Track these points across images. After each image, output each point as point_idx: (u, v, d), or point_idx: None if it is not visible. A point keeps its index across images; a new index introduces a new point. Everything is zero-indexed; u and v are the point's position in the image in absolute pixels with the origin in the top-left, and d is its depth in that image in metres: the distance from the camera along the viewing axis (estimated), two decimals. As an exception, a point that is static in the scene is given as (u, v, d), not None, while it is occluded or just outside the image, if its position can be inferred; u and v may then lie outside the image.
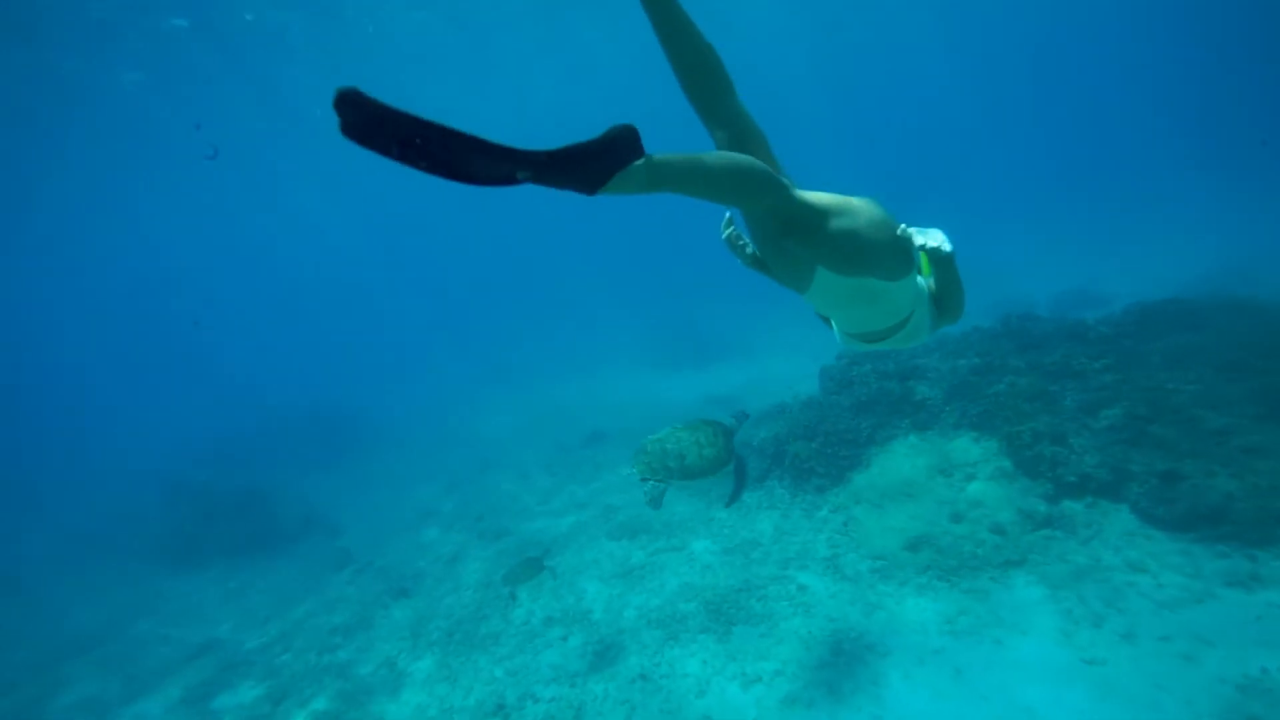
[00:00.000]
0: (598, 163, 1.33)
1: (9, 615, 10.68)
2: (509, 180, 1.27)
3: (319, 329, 46.42)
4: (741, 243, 2.46)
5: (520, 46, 19.27)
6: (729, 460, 4.92)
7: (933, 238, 2.02)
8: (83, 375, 43.35)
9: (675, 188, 1.50)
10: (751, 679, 5.15)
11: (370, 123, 1.15)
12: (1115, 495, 5.84)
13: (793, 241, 1.86)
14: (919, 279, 2.31)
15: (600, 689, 5.45)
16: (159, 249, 32.80)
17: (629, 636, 6.01)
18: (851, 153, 56.94)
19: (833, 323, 2.62)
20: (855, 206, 1.88)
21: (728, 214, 2.43)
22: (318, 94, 18.36)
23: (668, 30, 1.85)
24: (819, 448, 7.56)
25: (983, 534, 5.94)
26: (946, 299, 2.40)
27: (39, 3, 10.88)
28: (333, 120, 1.13)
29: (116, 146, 18.27)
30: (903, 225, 2.00)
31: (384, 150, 1.18)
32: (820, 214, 1.81)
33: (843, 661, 5.07)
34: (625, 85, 25.69)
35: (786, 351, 15.86)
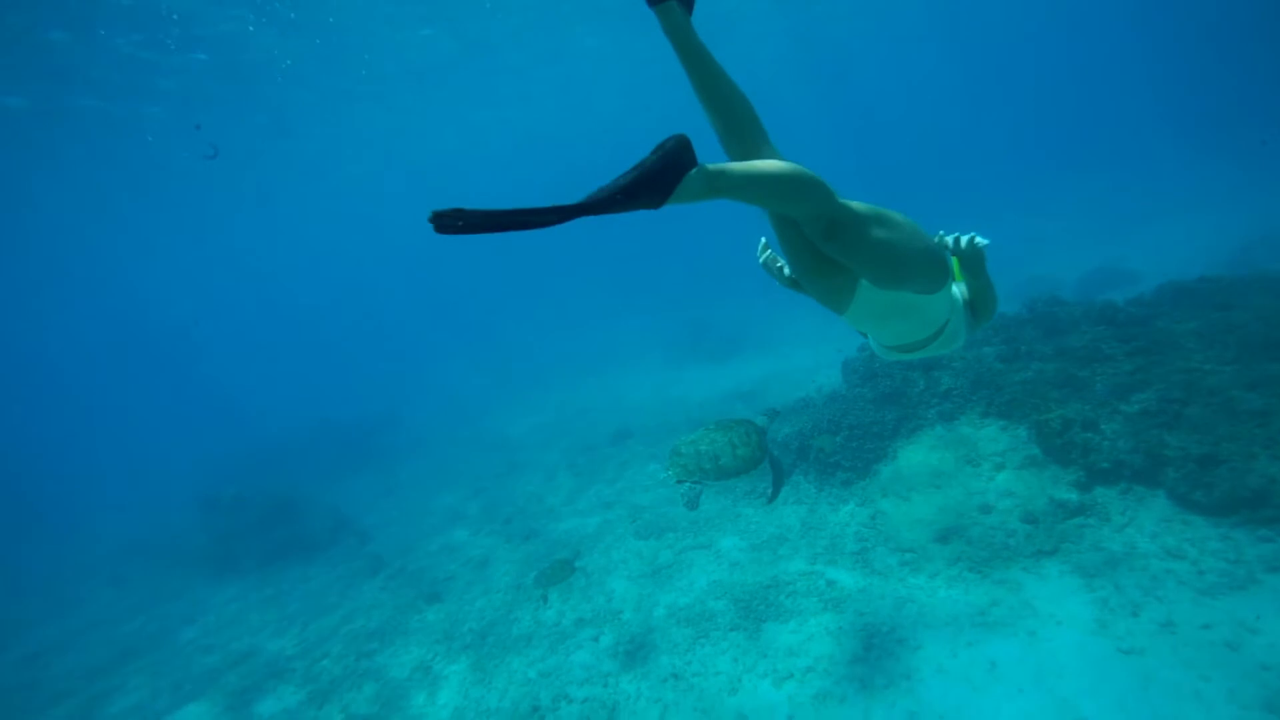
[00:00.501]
0: (660, 179, 1.39)
1: (61, 627, 11.08)
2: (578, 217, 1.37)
3: (339, 340, 47.23)
4: (778, 265, 2.58)
5: (524, 58, 19.40)
6: (763, 458, 4.95)
7: (967, 235, 2.19)
8: (109, 396, 44.65)
9: (730, 193, 1.56)
10: (783, 676, 5.15)
11: (463, 225, 1.27)
12: (1150, 481, 5.72)
13: (836, 246, 1.88)
14: (953, 287, 2.36)
15: (633, 688, 5.50)
16: (177, 271, 33.66)
17: (660, 635, 6.05)
18: (852, 148, 56.39)
19: (870, 338, 2.68)
20: (894, 218, 1.93)
21: (763, 239, 2.53)
22: (328, 116, 18.72)
23: (706, 86, 1.93)
24: (844, 442, 7.52)
25: (1014, 524, 5.86)
26: (980, 303, 2.47)
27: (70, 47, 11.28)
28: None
29: (137, 177, 18.80)
30: (940, 233, 2.12)
31: (471, 233, 1.30)
32: (863, 220, 1.85)
33: (874, 656, 5.06)
34: (628, 91, 25.76)
35: (806, 343, 15.78)
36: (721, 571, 6.74)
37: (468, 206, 1.26)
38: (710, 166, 1.49)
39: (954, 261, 2.39)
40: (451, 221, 1.26)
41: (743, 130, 1.96)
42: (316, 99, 17.34)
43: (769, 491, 5.12)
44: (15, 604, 12.75)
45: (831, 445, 7.52)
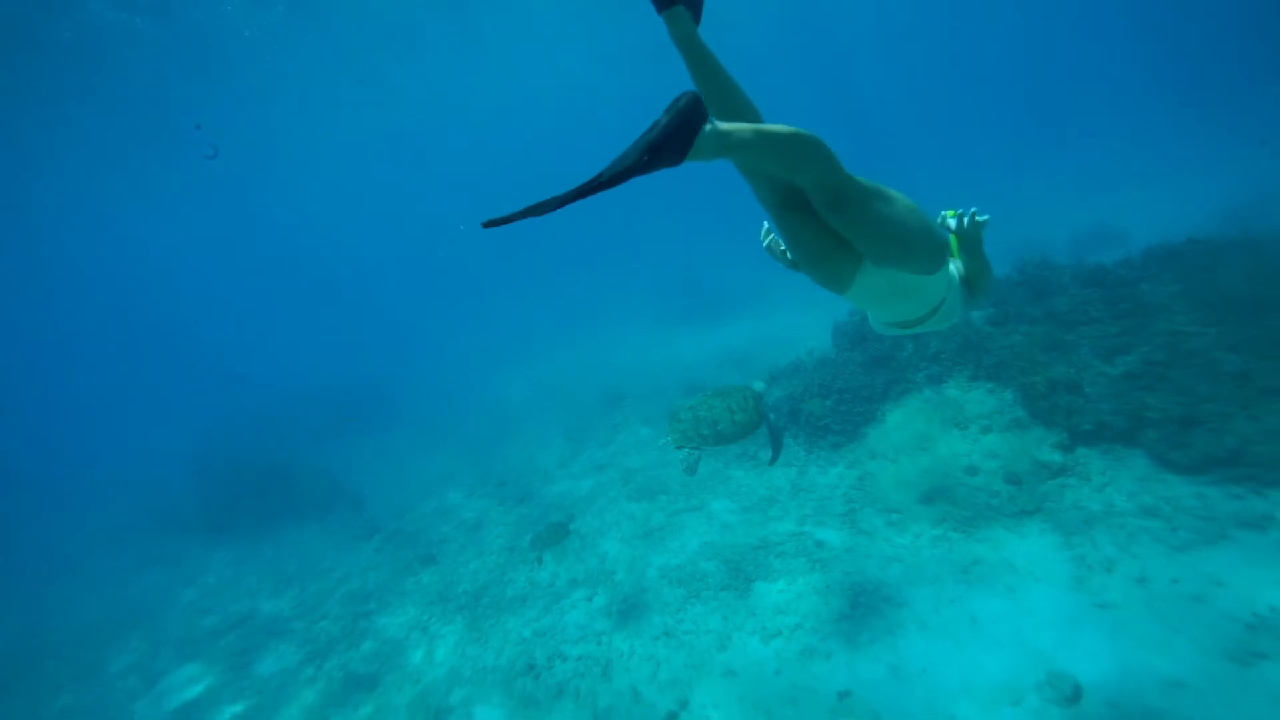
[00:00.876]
0: (678, 137, 1.42)
1: (60, 590, 11.21)
2: None
3: (332, 311, 46.73)
4: (781, 249, 2.67)
5: (506, 23, 18.72)
6: (760, 423, 5.05)
7: (968, 212, 2.25)
8: (103, 367, 44.23)
9: (741, 151, 1.58)
10: (771, 633, 5.33)
11: (508, 220, 1.39)
12: (1130, 441, 5.85)
13: (841, 219, 1.89)
14: (951, 265, 2.41)
15: (626, 646, 5.67)
16: (170, 246, 32.98)
17: (652, 595, 6.21)
18: (841, 118, 55.26)
19: (869, 315, 2.74)
20: (895, 195, 1.95)
21: (765, 224, 2.55)
22: (307, 85, 18.13)
23: (712, 90, 1.97)
24: (834, 405, 7.61)
25: (997, 485, 6.00)
26: (976, 281, 2.51)
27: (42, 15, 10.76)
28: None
29: (126, 152, 18.19)
30: (942, 213, 2.18)
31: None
32: (868, 193, 1.86)
33: (860, 614, 5.23)
34: (610, 60, 25.04)
35: (796, 306, 15.79)
36: (713, 533, 6.88)
37: (504, 211, 1.38)
38: (723, 124, 1.50)
39: (953, 240, 2.42)
40: (503, 223, 1.40)
41: None
42: (296, 68, 16.70)
43: (765, 454, 5.22)
44: (15, 569, 12.86)
45: (821, 409, 7.61)
